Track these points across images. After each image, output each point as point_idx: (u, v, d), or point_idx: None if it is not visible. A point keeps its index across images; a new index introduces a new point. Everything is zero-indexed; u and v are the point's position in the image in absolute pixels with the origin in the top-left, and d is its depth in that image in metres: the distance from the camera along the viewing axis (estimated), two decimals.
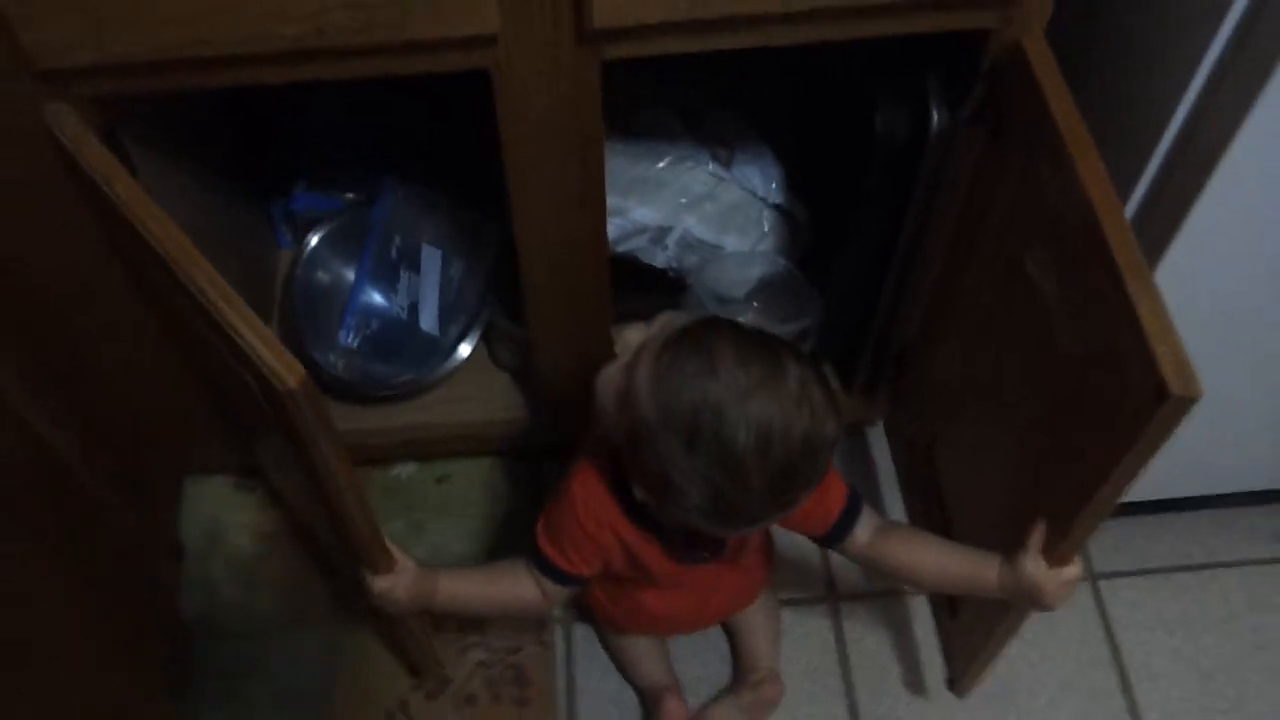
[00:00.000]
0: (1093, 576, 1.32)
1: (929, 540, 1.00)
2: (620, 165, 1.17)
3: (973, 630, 1.07)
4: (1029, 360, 0.91)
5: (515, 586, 0.98)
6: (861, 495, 0.97)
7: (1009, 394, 0.97)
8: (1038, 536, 0.87)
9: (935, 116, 0.94)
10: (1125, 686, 1.25)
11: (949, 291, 1.06)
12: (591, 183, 0.92)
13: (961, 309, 1.05)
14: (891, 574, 1.00)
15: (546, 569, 0.96)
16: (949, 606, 1.13)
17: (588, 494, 0.93)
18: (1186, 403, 0.68)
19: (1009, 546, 0.90)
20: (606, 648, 1.25)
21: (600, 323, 1.12)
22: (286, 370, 0.67)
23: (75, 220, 0.87)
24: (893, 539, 0.97)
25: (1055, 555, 0.86)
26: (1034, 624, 1.27)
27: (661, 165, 1.18)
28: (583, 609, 1.25)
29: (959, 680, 1.12)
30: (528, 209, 0.95)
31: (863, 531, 0.97)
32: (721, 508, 0.80)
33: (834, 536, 0.97)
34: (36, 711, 0.90)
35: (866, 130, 0.99)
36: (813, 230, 1.27)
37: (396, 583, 0.92)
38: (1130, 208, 0.90)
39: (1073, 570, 0.88)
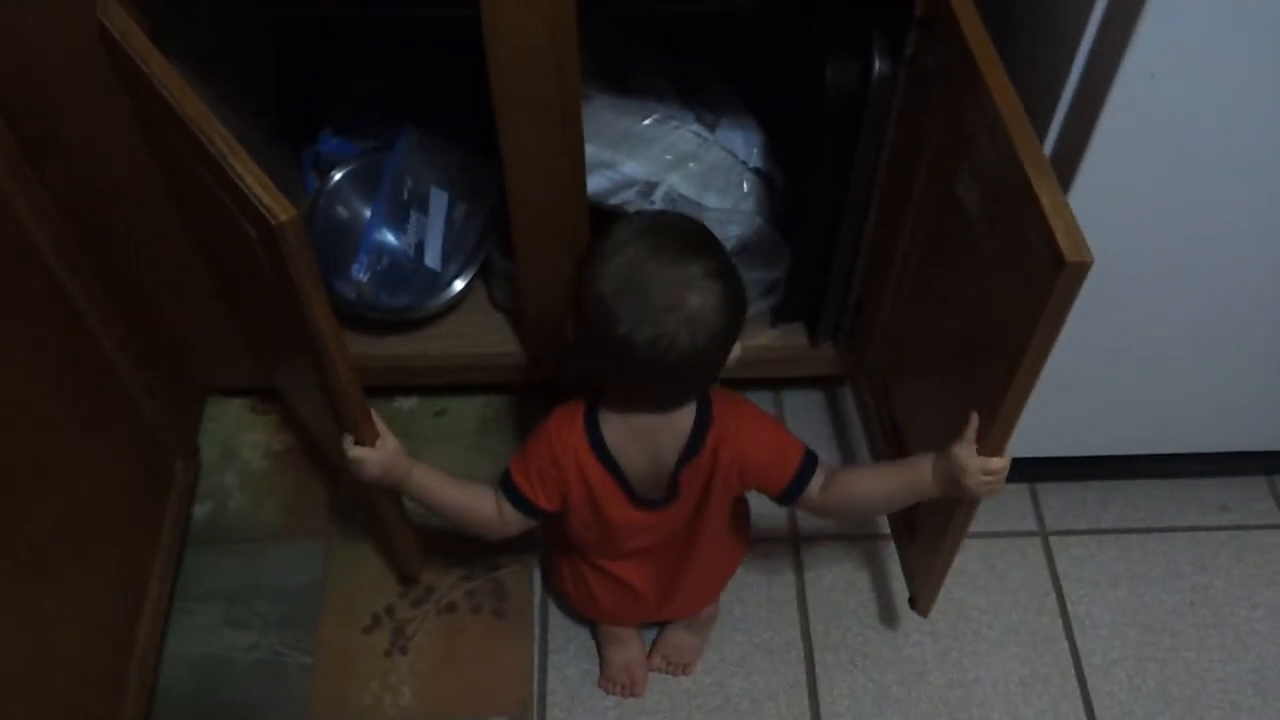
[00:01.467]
0: (1044, 533, 1.39)
1: (866, 468, 1.09)
2: (609, 119, 1.28)
3: (929, 547, 1.15)
4: (959, 282, 1.01)
5: (478, 500, 1.09)
6: (816, 456, 1.06)
7: (948, 323, 1.06)
8: (972, 426, 0.96)
9: (877, 65, 1.05)
10: (1068, 633, 1.31)
11: (893, 236, 1.15)
12: (568, 103, 1.03)
13: (903, 252, 1.15)
14: (848, 511, 1.09)
15: (510, 491, 1.06)
16: (908, 530, 1.21)
17: (561, 425, 1.04)
18: (1081, 268, 0.77)
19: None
20: None
21: None
22: (279, 208, 0.79)
23: (120, 119, 1.01)
24: (838, 481, 1.06)
25: (989, 444, 0.95)
26: (984, 573, 1.36)
27: (648, 122, 1.29)
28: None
29: (919, 598, 1.20)
30: (512, 135, 1.06)
31: (815, 483, 1.06)
32: (627, 291, 0.91)
33: (794, 489, 1.05)
34: (58, 544, 1.03)
35: (818, 83, 1.10)
36: (790, 197, 1.38)
37: (372, 455, 1.02)
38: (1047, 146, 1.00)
39: (999, 462, 0.96)
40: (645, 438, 1.03)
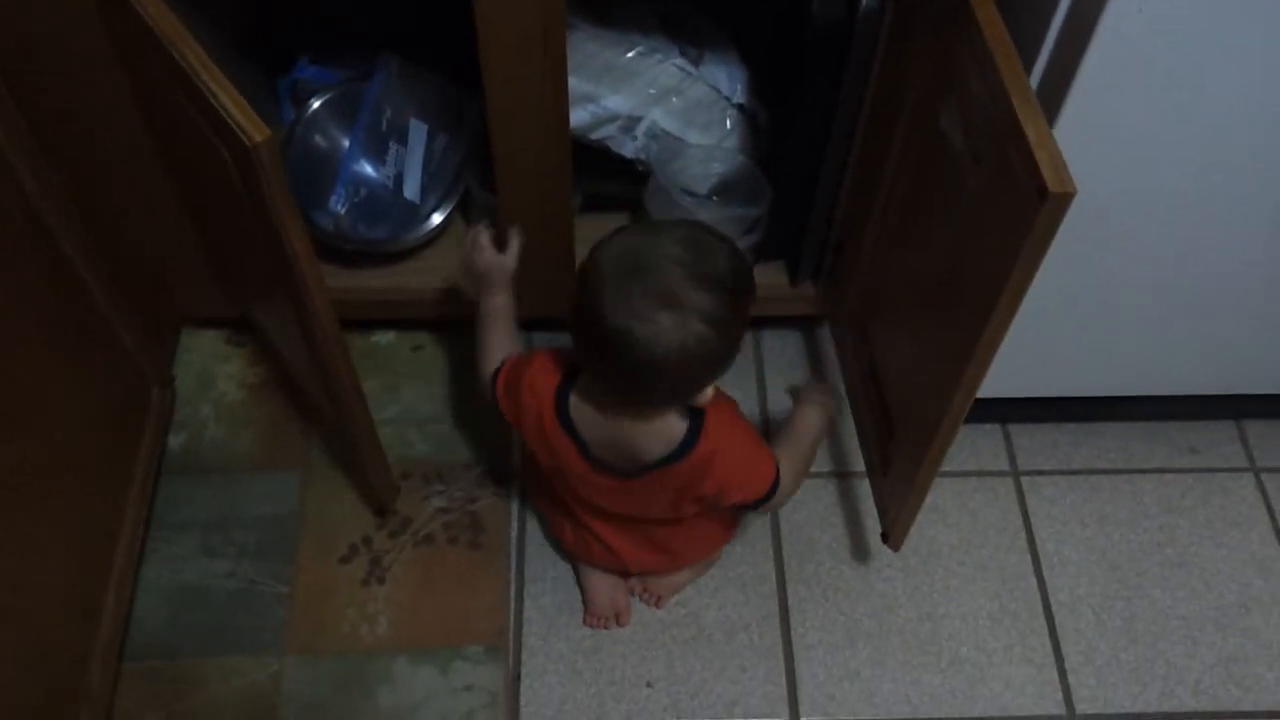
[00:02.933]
0: (1016, 472, 1.41)
1: (787, 448, 1.14)
2: (592, 51, 1.27)
3: (902, 483, 1.16)
4: (943, 219, 1.01)
5: (489, 363, 1.13)
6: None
7: (930, 262, 1.07)
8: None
9: None
10: (1037, 571, 1.34)
11: (876, 173, 1.15)
12: (553, 32, 1.02)
13: (886, 189, 1.15)
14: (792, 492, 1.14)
15: (493, 384, 1.11)
16: (882, 466, 1.22)
17: (538, 374, 1.05)
18: (1064, 199, 0.78)
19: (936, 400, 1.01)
20: None
21: (562, 194, 1.21)
22: (254, 128, 0.78)
23: (96, 43, 0.99)
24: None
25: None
26: (956, 510, 1.38)
27: (631, 55, 1.28)
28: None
29: (891, 532, 1.21)
30: (495, 64, 1.05)
31: None
32: (623, 277, 0.91)
33: (761, 502, 1.10)
34: (36, 469, 1.02)
35: (804, 15, 1.09)
36: (772, 134, 1.37)
37: (493, 251, 1.14)
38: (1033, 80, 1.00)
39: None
40: (615, 430, 1.02)
